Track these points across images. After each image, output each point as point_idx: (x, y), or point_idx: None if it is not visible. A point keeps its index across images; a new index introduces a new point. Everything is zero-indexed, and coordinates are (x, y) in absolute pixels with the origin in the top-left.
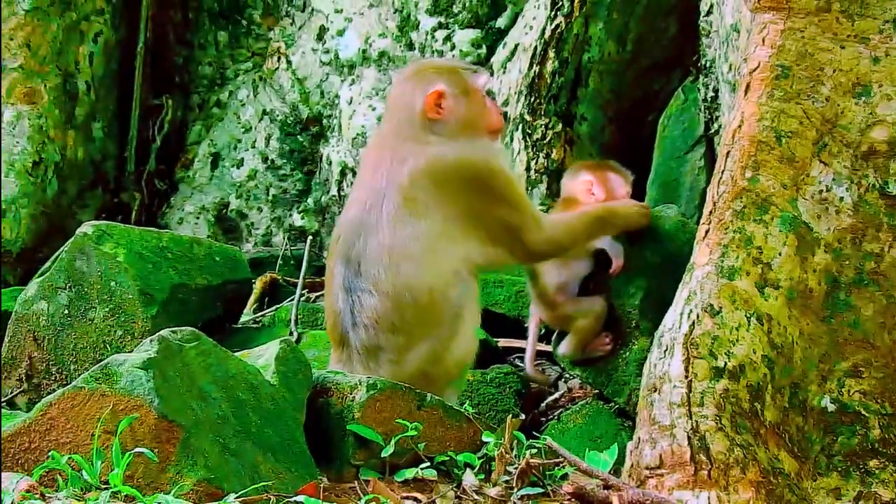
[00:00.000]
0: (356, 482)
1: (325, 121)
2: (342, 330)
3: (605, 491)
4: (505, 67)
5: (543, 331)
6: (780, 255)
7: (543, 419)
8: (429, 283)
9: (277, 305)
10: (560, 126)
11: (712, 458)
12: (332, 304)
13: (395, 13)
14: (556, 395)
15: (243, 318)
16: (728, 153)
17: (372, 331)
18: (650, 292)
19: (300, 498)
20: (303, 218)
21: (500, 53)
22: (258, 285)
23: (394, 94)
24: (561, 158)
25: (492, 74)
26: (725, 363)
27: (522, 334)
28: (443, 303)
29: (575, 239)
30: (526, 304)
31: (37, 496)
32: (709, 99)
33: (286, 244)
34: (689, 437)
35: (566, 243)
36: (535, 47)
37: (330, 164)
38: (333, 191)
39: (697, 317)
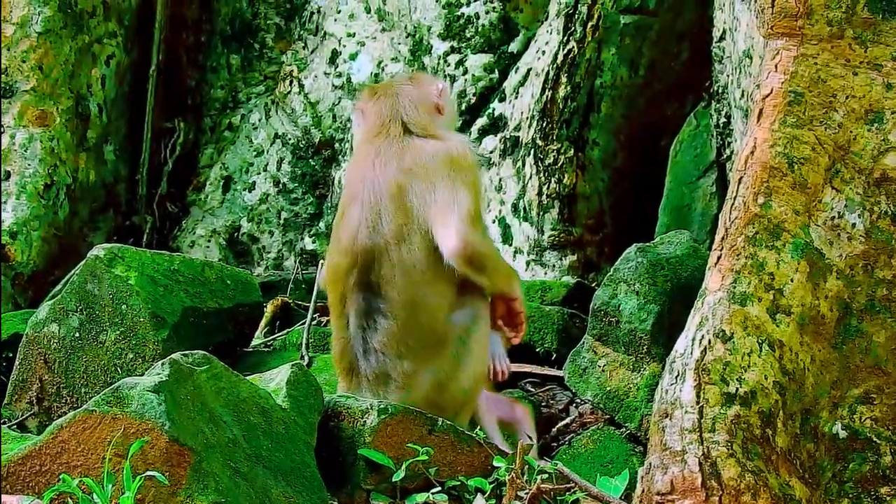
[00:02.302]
0: None
1: (337, 144)
2: (351, 357)
3: None
4: (517, 92)
5: (555, 356)
6: (791, 281)
7: (554, 444)
8: (432, 302)
9: (289, 329)
10: (572, 151)
11: (723, 485)
12: (341, 330)
13: (407, 37)
14: (567, 420)
15: (254, 342)
16: (741, 179)
17: (382, 356)
18: (662, 318)
19: None
20: (314, 242)
21: (513, 78)
22: (269, 309)
23: (392, 103)
24: (573, 183)
25: (504, 99)
26: (737, 389)
27: (534, 359)
28: (446, 326)
29: (493, 267)
30: (538, 329)
31: None
32: (721, 125)
33: (298, 268)
34: (700, 463)
35: (487, 263)
36: (548, 72)
37: (342, 187)
38: None
39: (709, 342)
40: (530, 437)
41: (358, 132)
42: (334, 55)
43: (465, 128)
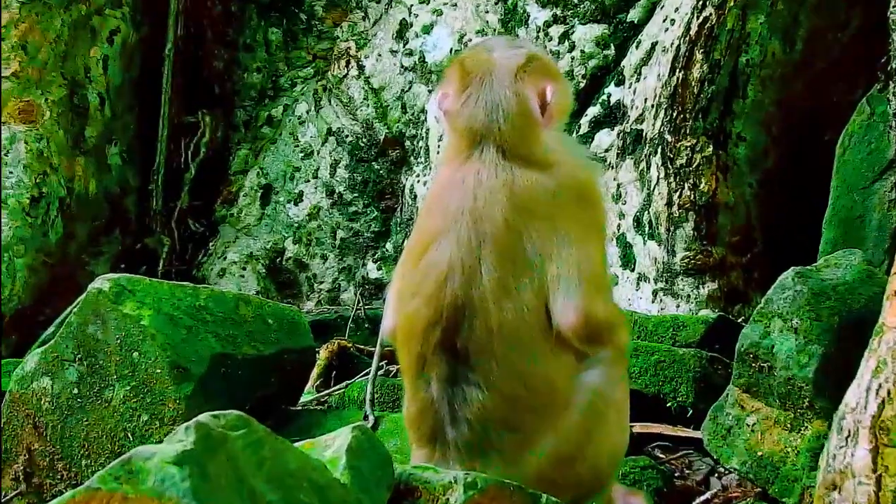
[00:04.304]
0: None
1: (407, 143)
2: (434, 422)
3: None
4: (639, 73)
5: (691, 412)
6: None
7: None
8: (547, 371)
9: (348, 381)
10: (710, 148)
11: None
12: (419, 391)
13: (496, 4)
14: (708, 494)
15: (305, 398)
16: None
17: (478, 427)
18: (827, 362)
19: None
20: (379, 268)
21: (634, 55)
22: (323, 355)
23: (486, 115)
24: (712, 190)
25: (622, 82)
26: None
27: (665, 417)
28: (569, 391)
29: (609, 338)
30: (669, 379)
31: None
32: None
33: (359, 302)
34: None
35: (604, 336)
36: (679, 47)
37: (414, 198)
38: None
39: (888, 393)
40: None
41: (442, 130)
42: (403, 28)
43: (572, 120)
